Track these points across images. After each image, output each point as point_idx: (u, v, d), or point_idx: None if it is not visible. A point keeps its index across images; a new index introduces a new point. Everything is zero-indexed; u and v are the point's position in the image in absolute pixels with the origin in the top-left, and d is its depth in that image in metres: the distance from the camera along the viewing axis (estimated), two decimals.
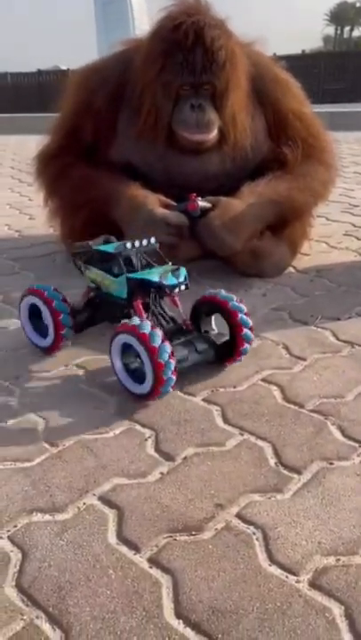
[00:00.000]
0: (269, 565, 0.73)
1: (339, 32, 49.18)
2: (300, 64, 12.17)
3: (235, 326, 1.14)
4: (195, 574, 0.72)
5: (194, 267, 1.77)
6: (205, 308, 1.19)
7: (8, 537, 0.79)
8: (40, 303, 1.24)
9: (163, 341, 1.02)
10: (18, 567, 0.74)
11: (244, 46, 1.74)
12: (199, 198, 1.59)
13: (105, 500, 0.85)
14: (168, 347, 1.02)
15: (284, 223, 1.71)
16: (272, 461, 0.92)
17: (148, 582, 0.71)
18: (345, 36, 48.82)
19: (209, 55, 1.57)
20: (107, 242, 1.27)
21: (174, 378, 1.04)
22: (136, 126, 1.71)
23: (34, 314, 1.29)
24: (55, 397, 1.13)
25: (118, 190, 1.65)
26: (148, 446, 0.97)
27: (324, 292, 1.61)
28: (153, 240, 1.21)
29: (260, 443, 0.97)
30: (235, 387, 1.14)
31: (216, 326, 1.20)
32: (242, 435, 0.99)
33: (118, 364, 1.10)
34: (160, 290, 1.13)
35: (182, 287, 1.14)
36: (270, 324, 1.41)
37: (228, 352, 1.17)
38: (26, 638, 0.65)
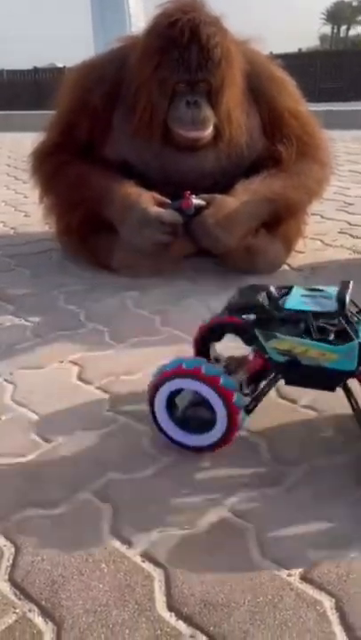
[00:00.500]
0: (262, 559, 0.73)
1: (335, 31, 49.22)
2: (296, 63, 12.17)
3: None
4: (187, 568, 0.72)
5: (188, 264, 1.77)
6: None
7: (1, 531, 0.79)
8: (198, 386, 0.89)
9: None
10: (11, 561, 0.74)
11: (240, 44, 1.74)
12: (193, 196, 1.59)
13: (99, 494, 0.86)
14: None
15: (279, 221, 1.71)
16: (266, 457, 0.93)
17: (141, 576, 0.72)
18: (342, 35, 48.87)
19: (204, 52, 1.57)
20: (272, 294, 0.92)
21: None
22: (132, 124, 1.71)
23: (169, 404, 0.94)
24: (50, 393, 1.13)
25: (112, 189, 1.65)
26: (144, 442, 0.98)
27: None
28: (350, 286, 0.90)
29: (254, 438, 0.97)
30: None
31: None
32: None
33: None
34: None
35: None
36: None
37: None
38: (18, 631, 0.65)
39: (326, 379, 0.90)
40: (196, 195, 1.61)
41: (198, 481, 0.88)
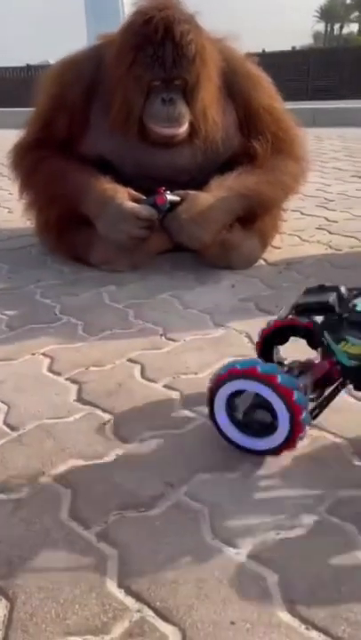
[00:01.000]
0: (212, 539, 0.76)
1: (329, 29, 49.29)
2: (290, 61, 12.20)
3: None
4: (140, 548, 0.75)
5: (165, 259, 1.80)
6: None
7: None
8: (256, 386, 0.85)
9: None
10: None
11: (216, 41, 1.77)
12: (168, 192, 1.62)
13: (60, 480, 0.88)
14: None
15: (254, 216, 1.74)
16: (224, 443, 0.95)
17: (95, 556, 0.74)
18: (335, 32, 48.93)
19: (179, 49, 1.59)
20: (342, 294, 0.88)
21: None
22: (109, 120, 1.73)
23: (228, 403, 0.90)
24: (20, 384, 1.16)
25: (89, 184, 1.67)
26: (107, 430, 1.00)
27: (292, 283, 1.64)
28: None
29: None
30: (196, 373, 1.18)
31: None
32: (198, 419, 1.02)
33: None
34: None
35: None
36: (236, 315, 1.45)
37: None
38: None
39: None
40: (171, 191, 1.64)
41: (158, 466, 0.90)
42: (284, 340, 1.01)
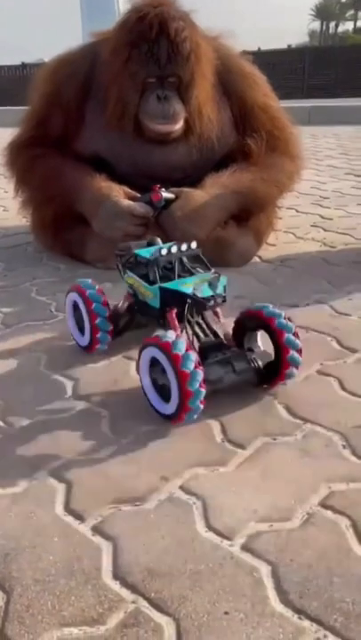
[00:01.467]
0: (206, 532, 0.77)
1: (324, 27, 49.30)
2: (285, 59, 12.22)
3: (280, 347, 1.02)
4: (135, 540, 0.76)
5: None
6: (251, 322, 1.06)
7: None
8: (80, 302, 1.21)
9: (187, 350, 0.92)
10: None
11: (210, 39, 1.77)
12: (163, 189, 1.63)
13: (56, 474, 0.89)
14: (193, 355, 0.93)
15: (249, 214, 1.75)
16: (219, 438, 0.96)
17: (90, 548, 0.75)
18: (331, 31, 48.96)
19: (173, 46, 1.60)
20: (151, 244, 1.17)
21: (203, 391, 0.93)
22: (104, 117, 1.74)
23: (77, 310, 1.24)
24: (16, 381, 1.16)
25: (84, 182, 1.68)
26: (103, 425, 1.01)
27: (286, 280, 1.65)
28: (194, 245, 1.11)
29: (209, 421, 1.01)
30: None
31: (263, 344, 1.06)
32: None
33: (146, 381, 1.01)
34: (196, 302, 1.03)
35: (218, 300, 1.03)
36: (231, 312, 1.45)
37: (272, 374, 1.05)
38: None
39: (150, 315, 1.13)
40: (166, 188, 1.64)
41: (152, 461, 0.91)
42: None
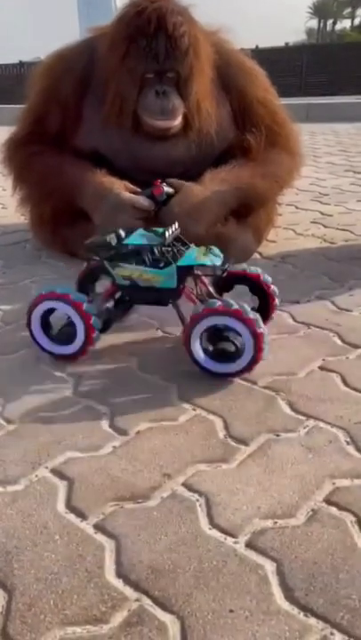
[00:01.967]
0: (209, 529, 0.76)
1: (322, 25, 49.25)
2: (283, 57, 12.18)
3: (268, 296, 1.22)
4: (138, 538, 0.75)
5: None
6: (233, 281, 1.25)
7: None
8: (64, 308, 1.16)
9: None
10: None
11: (209, 34, 1.76)
12: (164, 184, 1.61)
13: (57, 472, 0.88)
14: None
15: (249, 210, 1.74)
16: (221, 434, 0.95)
17: (92, 546, 0.74)
18: (328, 29, 48.91)
19: (172, 41, 1.58)
20: (119, 234, 1.17)
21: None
22: (102, 113, 1.72)
23: (44, 322, 1.21)
24: (16, 378, 1.15)
25: (83, 179, 1.66)
26: (104, 422, 1.00)
27: (287, 276, 1.64)
28: (176, 224, 1.20)
29: (211, 417, 1.00)
30: (191, 365, 1.17)
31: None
32: (194, 410, 1.02)
33: (198, 347, 1.10)
34: (215, 270, 1.15)
35: (229, 265, 1.15)
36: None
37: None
38: None
39: (154, 298, 1.17)
40: (166, 182, 1.63)
41: (154, 457, 0.90)
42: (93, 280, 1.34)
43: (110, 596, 0.67)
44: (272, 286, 1.22)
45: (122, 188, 1.64)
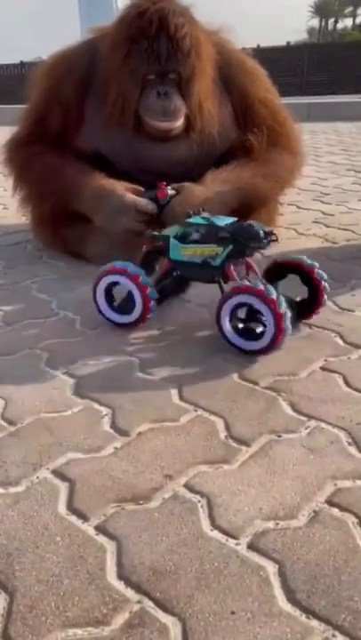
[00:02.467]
0: (211, 530, 0.76)
1: (323, 24, 49.20)
2: (284, 56, 12.16)
3: (318, 291, 1.27)
4: (139, 539, 0.75)
5: None
6: (286, 271, 1.31)
7: None
8: (123, 281, 1.29)
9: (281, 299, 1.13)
10: None
11: (210, 34, 1.76)
12: (169, 187, 1.61)
13: (58, 473, 0.88)
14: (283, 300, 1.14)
15: (250, 210, 1.73)
16: (222, 435, 0.95)
17: (94, 548, 0.74)
18: (330, 28, 48.86)
19: (173, 42, 1.59)
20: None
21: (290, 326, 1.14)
22: (104, 114, 1.72)
23: (108, 295, 1.34)
24: (17, 379, 1.15)
25: (82, 180, 1.66)
26: (105, 423, 1.00)
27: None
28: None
29: (212, 418, 1.00)
30: (193, 366, 1.17)
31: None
32: (196, 411, 1.02)
33: (227, 323, 1.19)
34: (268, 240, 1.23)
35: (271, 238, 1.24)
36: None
37: (306, 310, 1.30)
38: None
39: (203, 275, 1.28)
40: (169, 184, 1.63)
41: (156, 458, 0.90)
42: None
43: (112, 598, 0.67)
44: (323, 282, 1.26)
45: (124, 189, 1.64)
